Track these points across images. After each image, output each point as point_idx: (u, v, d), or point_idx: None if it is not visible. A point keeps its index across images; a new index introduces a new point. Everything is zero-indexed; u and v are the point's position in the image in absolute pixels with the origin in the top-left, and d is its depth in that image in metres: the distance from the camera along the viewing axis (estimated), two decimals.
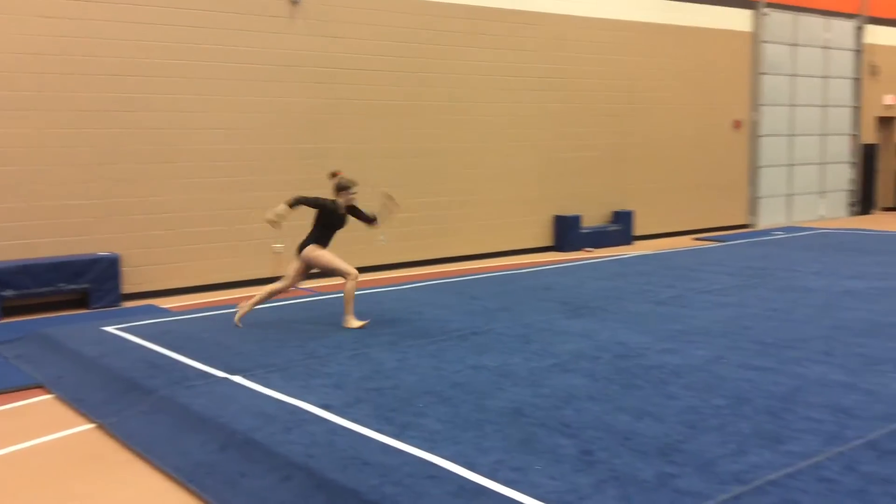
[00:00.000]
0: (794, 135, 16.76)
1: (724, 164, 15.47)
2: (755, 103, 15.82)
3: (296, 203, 6.79)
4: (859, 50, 17.70)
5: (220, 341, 6.66)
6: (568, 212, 13.11)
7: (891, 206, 18.88)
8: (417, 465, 3.95)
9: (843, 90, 17.61)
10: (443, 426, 4.52)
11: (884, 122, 18.66)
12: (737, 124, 15.54)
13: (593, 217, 13.56)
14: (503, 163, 12.32)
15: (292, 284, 7.26)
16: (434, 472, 3.88)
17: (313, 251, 7.05)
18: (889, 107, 18.47)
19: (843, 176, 17.87)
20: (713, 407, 4.78)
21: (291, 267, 7.22)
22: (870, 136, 18.34)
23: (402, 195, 11.28)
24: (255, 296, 7.40)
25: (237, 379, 5.53)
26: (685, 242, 13.76)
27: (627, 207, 13.89)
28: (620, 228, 13.71)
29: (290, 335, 6.86)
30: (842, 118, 17.67)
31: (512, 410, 4.78)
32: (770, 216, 16.40)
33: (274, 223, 6.88)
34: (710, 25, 14.95)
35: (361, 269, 10.78)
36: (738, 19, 15.41)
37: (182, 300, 9.22)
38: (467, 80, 11.79)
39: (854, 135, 17.90)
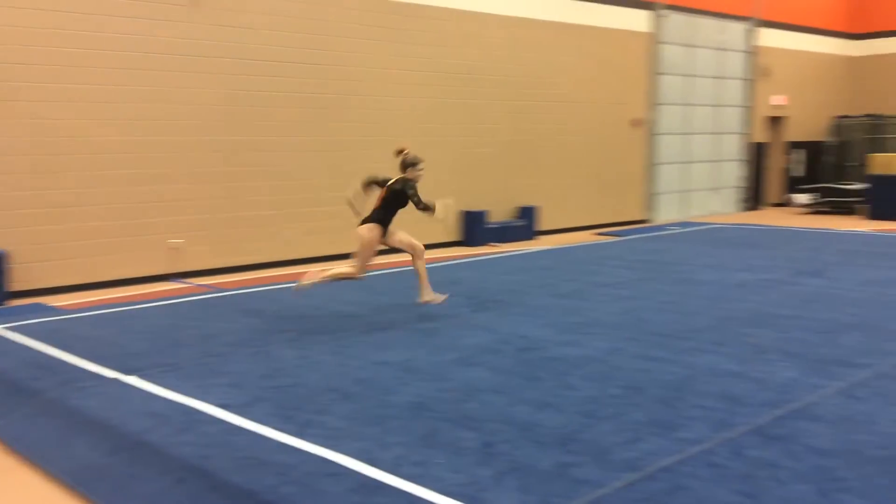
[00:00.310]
0: (689, 133, 17.38)
1: (624, 160, 15.91)
2: (653, 102, 16.32)
3: (368, 184, 7.02)
4: (750, 52, 18.50)
5: (112, 340, 6.40)
6: (475, 207, 13.21)
7: (778, 202, 19.82)
8: (317, 464, 3.90)
9: (735, 90, 18.37)
10: (345, 423, 4.48)
11: (773, 121, 19.57)
12: (637, 122, 15.99)
13: (500, 212, 13.72)
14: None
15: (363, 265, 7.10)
16: (334, 469, 3.83)
17: (369, 232, 6.93)
18: (777, 107, 19.37)
19: (734, 173, 18.66)
20: (610, 397, 4.90)
21: (358, 248, 7.06)
22: (760, 135, 19.20)
23: (308, 188, 11.23)
24: (328, 270, 7.20)
25: (130, 379, 5.33)
26: (587, 237, 14.08)
27: (533, 203, 14.11)
28: (525, 223, 13.91)
29: (186, 333, 6.66)
30: (734, 118, 18.44)
31: (415, 405, 4.77)
32: (667, 211, 16.96)
33: (352, 206, 7.08)
34: (611, 25, 15.33)
35: (263, 265, 10.69)
36: (638, 20, 15.86)
37: (73, 298, 8.81)
38: (374, 73, 11.71)
39: (745, 133, 18.70)
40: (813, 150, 20.13)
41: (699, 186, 17.84)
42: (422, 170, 7.16)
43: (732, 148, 18.52)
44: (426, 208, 6.99)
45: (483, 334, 6.53)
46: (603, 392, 5.00)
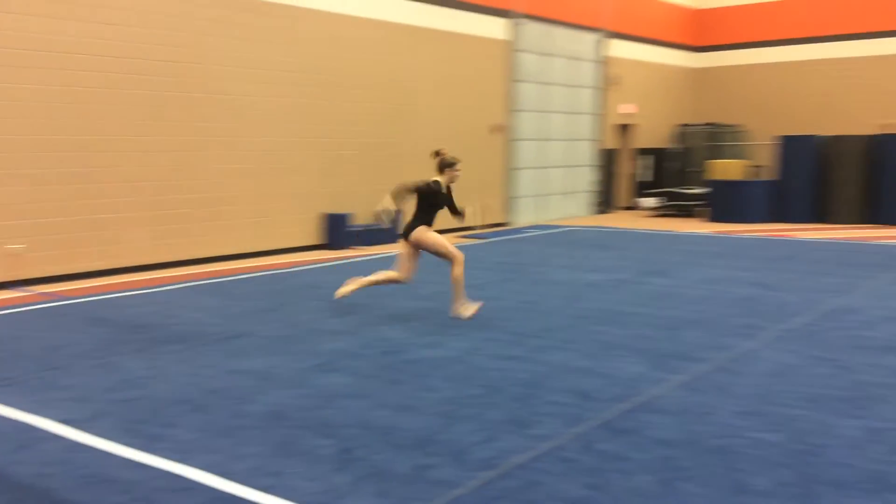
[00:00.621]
0: (545, 139, 17.97)
1: (484, 165, 16.23)
2: (511, 109, 16.75)
3: (400, 193, 6.94)
4: (601, 62, 19.34)
5: None
6: (339, 209, 13.09)
7: (628, 205, 20.82)
8: (166, 479, 3.74)
9: (587, 99, 19.15)
10: (196, 435, 4.31)
11: (622, 128, 20.53)
12: (496, 128, 16.36)
13: (364, 215, 13.65)
14: (269, 159, 12.04)
15: (412, 270, 7.28)
16: (185, 484, 3.68)
17: (423, 233, 7.09)
18: (626, 115, 20.35)
19: (587, 178, 19.45)
20: (468, 397, 4.98)
21: (402, 253, 7.21)
22: (610, 141, 20.11)
23: (155, 190, 10.75)
24: (369, 277, 7.34)
25: None
26: (450, 240, 14.23)
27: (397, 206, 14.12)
28: (390, 227, 13.90)
29: (27, 345, 6.23)
30: (587, 125, 19.21)
31: (271, 414, 4.66)
32: (525, 215, 17.45)
33: (382, 218, 7.04)
34: (470, 32, 15.61)
35: (108, 272, 10.14)
36: (496, 28, 16.23)
37: None
38: (232, 72, 11.38)
39: (597, 140, 19.52)
40: (659, 156, 21.27)
41: (555, 191, 18.47)
42: (459, 170, 7.33)
43: (585, 154, 19.29)
44: (458, 213, 7.44)
45: (344, 339, 6.47)
46: (462, 392, 5.07)
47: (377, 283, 7.48)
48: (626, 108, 20.12)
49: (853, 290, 8.59)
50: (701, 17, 22.93)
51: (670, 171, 20.98)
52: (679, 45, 22.51)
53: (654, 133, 21.42)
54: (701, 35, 22.91)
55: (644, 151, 21.15)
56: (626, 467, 3.87)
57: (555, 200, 18.45)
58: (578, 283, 9.24)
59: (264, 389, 5.14)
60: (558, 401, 4.90)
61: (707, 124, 21.36)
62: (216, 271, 10.40)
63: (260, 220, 11.99)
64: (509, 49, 16.55)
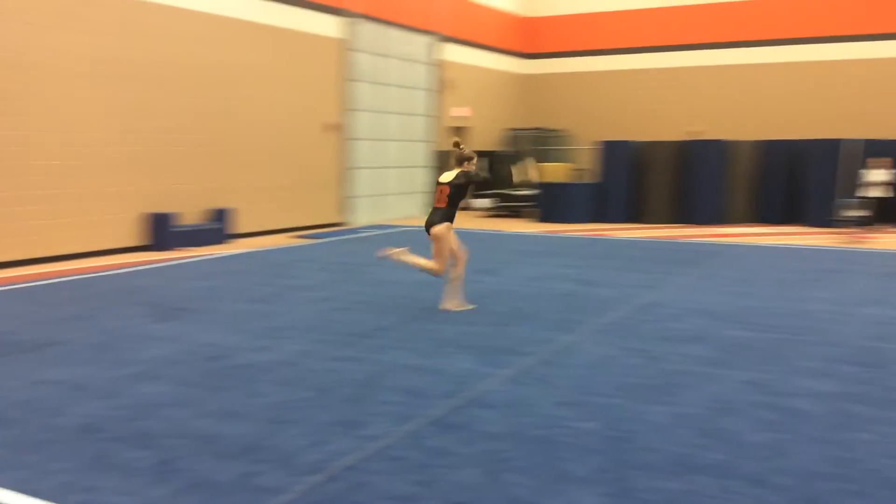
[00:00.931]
0: (382, 140, 18.03)
1: (320, 164, 16.06)
2: (346, 108, 16.67)
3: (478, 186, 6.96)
4: (435, 65, 19.64)
5: None
6: (164, 209, 12.50)
7: (462, 206, 21.26)
8: None
9: (422, 101, 19.39)
10: (1, 452, 3.98)
11: (457, 131, 20.94)
12: (330, 127, 16.22)
13: (191, 215, 13.12)
14: (90, 155, 11.30)
15: (449, 262, 7.41)
16: None
17: (445, 231, 7.24)
18: (460, 118, 20.79)
19: (424, 178, 19.71)
20: (298, 400, 4.89)
21: (436, 248, 7.30)
22: (445, 143, 20.46)
23: None
24: (417, 259, 7.43)
25: None
26: (284, 240, 13.99)
27: (226, 205, 13.69)
28: (218, 226, 13.46)
29: None
30: (422, 126, 19.46)
31: (84, 427, 4.38)
32: (362, 215, 17.43)
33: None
34: (305, 29, 15.39)
35: None
36: (330, 26, 16.09)
37: None
38: (53, 64, 10.58)
39: (432, 142, 19.81)
40: (491, 158, 21.88)
41: (393, 191, 18.57)
42: (476, 162, 7.45)
43: (421, 155, 19.54)
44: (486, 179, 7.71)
45: (166, 345, 6.19)
46: (291, 396, 4.98)
47: (417, 266, 7.55)
48: (459, 112, 20.55)
49: (664, 285, 9.21)
50: (530, 24, 23.83)
51: (502, 173, 21.63)
52: (510, 52, 23.28)
53: (487, 136, 22.02)
54: (530, 42, 23.82)
55: (478, 153, 21.63)
56: (453, 462, 3.94)
57: (392, 200, 18.56)
58: (413, 282, 9.32)
59: (76, 401, 4.82)
60: (390, 400, 4.92)
61: (535, 129, 22.22)
62: (18, 276, 9.63)
63: (79, 219, 11.24)
64: (344, 48, 16.47)
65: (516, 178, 8.03)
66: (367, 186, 17.59)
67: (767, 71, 20.82)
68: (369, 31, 17.18)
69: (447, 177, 7.50)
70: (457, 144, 7.64)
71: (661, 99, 21.92)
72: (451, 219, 7.42)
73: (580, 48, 23.20)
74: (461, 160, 7.45)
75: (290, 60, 15.05)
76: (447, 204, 7.38)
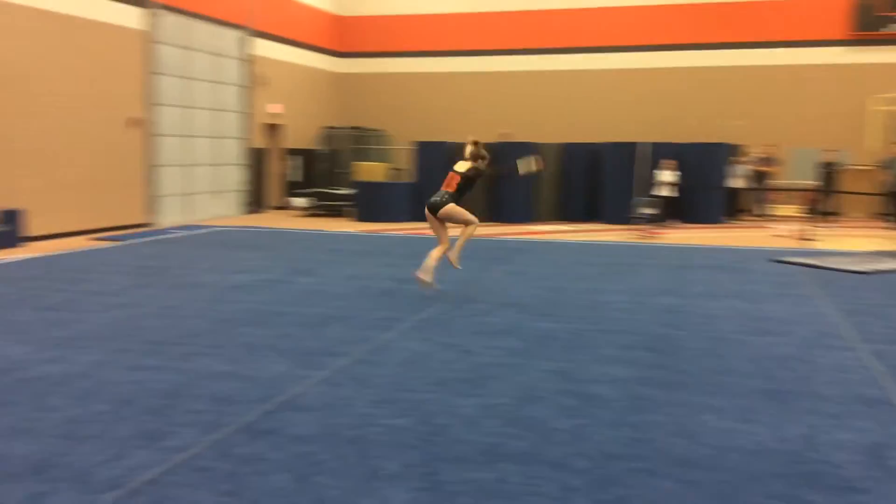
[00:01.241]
0: (191, 136, 17.28)
1: (122, 162, 15.14)
2: (151, 103, 15.83)
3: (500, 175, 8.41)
4: (246, 59, 19.10)
5: None
6: None
7: (279, 205, 20.86)
8: None
9: (233, 96, 18.79)
10: None
11: (271, 128, 20.50)
12: (133, 122, 15.33)
13: None
14: None
15: (446, 235, 8.28)
16: None
17: (452, 208, 8.13)
18: (274, 115, 20.35)
19: (236, 177, 19.12)
20: (95, 414, 4.58)
21: (434, 226, 8.24)
22: (259, 141, 19.97)
23: None
24: (432, 262, 8.07)
25: None
26: (83, 243, 13.06)
27: (15, 206, 12.57)
28: (10, 229, 12.34)
29: None
30: (233, 123, 18.85)
31: None
32: (170, 215, 16.62)
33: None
34: (103, 19, 14.44)
35: None
36: (131, 17, 15.20)
37: None
38: None
39: (245, 139, 19.26)
40: (308, 157, 21.63)
41: (202, 190, 17.86)
42: (487, 161, 8.46)
43: (234, 152, 18.94)
44: (501, 172, 8.73)
45: None
46: (87, 410, 4.65)
47: (439, 259, 8.18)
48: (273, 108, 20.12)
49: (478, 281, 9.48)
50: (345, 23, 23.76)
51: (319, 172, 21.44)
52: (324, 50, 23.09)
53: (302, 134, 21.72)
54: (345, 41, 23.74)
55: (293, 152, 21.34)
56: (263, 468, 3.84)
57: (202, 200, 17.84)
58: (224, 285, 9.01)
59: None
60: (197, 409, 4.71)
61: (352, 128, 22.20)
62: None
63: None
64: (147, 40, 15.63)
65: (522, 170, 8.67)
66: (175, 185, 16.80)
67: (572, 77, 22.02)
68: (174, 24, 16.41)
69: (461, 167, 8.37)
70: (476, 143, 8.45)
71: (472, 101, 22.57)
72: (456, 202, 8.24)
73: (395, 49, 23.43)
74: (476, 157, 8.38)
75: (89, 53, 14.07)
76: (455, 189, 8.24)
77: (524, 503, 3.56)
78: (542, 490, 3.67)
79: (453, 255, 8.32)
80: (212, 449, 4.08)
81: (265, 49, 19.85)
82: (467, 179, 8.30)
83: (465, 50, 22.83)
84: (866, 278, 9.92)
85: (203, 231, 14.90)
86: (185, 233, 14.57)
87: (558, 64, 22.13)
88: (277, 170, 21.03)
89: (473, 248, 13.04)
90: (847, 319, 7.44)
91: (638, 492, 3.68)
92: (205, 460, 3.93)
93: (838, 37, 20.19)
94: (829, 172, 18.57)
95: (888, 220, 17.13)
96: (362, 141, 21.83)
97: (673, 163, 16.76)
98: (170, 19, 16.25)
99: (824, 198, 17.89)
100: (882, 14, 19.78)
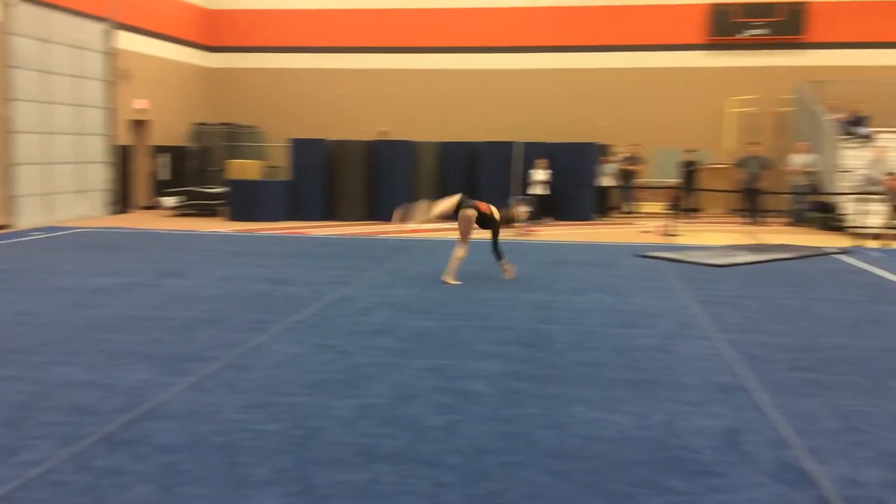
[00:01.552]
0: (50, 133, 16.32)
1: None
2: (5, 98, 14.84)
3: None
4: (110, 53, 18.21)
5: None
6: None
7: (147, 204, 20.01)
8: None
9: (96, 92, 17.88)
10: None
11: (137, 125, 19.64)
12: None
13: None
14: None
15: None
16: None
17: (469, 220, 9.28)
18: (140, 111, 19.51)
19: (101, 175, 18.20)
20: None
21: (469, 231, 9.37)
22: (125, 138, 19.08)
23: None
24: (456, 264, 9.20)
25: None
26: None
27: None
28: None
29: None
30: (97, 119, 17.93)
31: None
32: (30, 216, 15.63)
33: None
34: None
35: None
36: None
37: None
38: None
39: (109, 136, 18.36)
40: (178, 154, 20.86)
41: (64, 189, 16.90)
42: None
43: (97, 150, 18.02)
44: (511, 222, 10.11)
45: None
46: None
47: (461, 260, 9.38)
48: (140, 104, 19.29)
49: (354, 280, 9.42)
50: (213, 17, 23.04)
51: (190, 170, 20.72)
52: (192, 44, 22.31)
53: (171, 131, 20.91)
54: (214, 35, 23.03)
55: (162, 149, 20.52)
56: (124, 480, 3.67)
57: (64, 200, 16.87)
58: (87, 288, 8.56)
59: None
60: (53, 420, 4.46)
61: (223, 124, 21.56)
62: None
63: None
64: (1, 32, 14.63)
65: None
66: (34, 184, 15.81)
67: (447, 76, 22.22)
68: (30, 15, 15.45)
69: (496, 213, 9.56)
70: (518, 203, 10.22)
71: (349, 99, 22.39)
72: (469, 218, 9.39)
73: (267, 44, 22.91)
74: (508, 221, 9.89)
75: None
76: (481, 212, 9.44)
77: (397, 502, 3.56)
78: (415, 489, 3.68)
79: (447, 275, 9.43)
80: (69, 462, 3.86)
81: (130, 42, 18.99)
82: (489, 221, 9.49)
83: (341, 46, 22.62)
84: (723, 271, 10.51)
85: (65, 232, 14.12)
86: (45, 234, 13.76)
87: (434, 63, 22.28)
88: (145, 168, 20.16)
89: (351, 247, 12.96)
90: (705, 310, 7.86)
91: (509, 485, 3.75)
92: (61, 474, 3.72)
93: (697, 41, 21.29)
94: (690, 171, 19.58)
95: (744, 216, 18.21)
96: (235, 138, 21.24)
97: (545, 161, 17.20)
98: (25, 10, 15.28)
99: (686, 195, 18.84)
100: (737, 20, 21.00)
